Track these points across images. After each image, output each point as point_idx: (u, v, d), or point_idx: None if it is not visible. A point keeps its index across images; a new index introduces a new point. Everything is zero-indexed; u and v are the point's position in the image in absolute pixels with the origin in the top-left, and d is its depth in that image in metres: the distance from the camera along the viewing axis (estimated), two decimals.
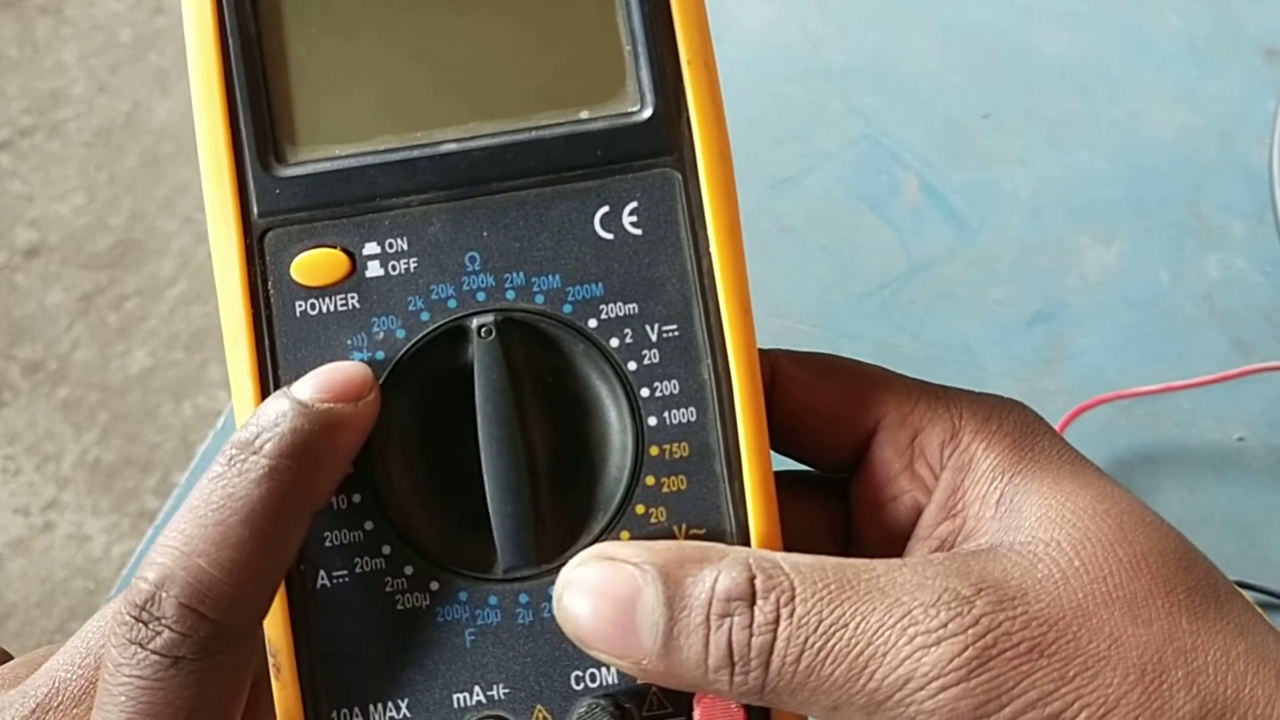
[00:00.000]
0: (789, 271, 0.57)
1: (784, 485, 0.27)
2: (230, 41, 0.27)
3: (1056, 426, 0.50)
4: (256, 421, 0.25)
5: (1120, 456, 0.51)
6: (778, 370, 0.29)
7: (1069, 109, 0.62)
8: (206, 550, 0.24)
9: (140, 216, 1.57)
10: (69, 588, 1.32)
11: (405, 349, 0.27)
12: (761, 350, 0.28)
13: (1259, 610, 0.25)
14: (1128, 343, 0.54)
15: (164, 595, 0.24)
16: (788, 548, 0.27)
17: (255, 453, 0.25)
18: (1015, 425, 0.28)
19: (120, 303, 1.51)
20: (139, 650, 0.24)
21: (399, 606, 0.27)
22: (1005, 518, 0.26)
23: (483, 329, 0.26)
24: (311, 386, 0.26)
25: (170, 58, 1.70)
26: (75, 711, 0.26)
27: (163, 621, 0.24)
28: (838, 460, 0.30)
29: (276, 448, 0.25)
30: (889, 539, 0.29)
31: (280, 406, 0.25)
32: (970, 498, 0.27)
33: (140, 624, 0.24)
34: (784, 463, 0.29)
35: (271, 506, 0.24)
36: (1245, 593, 0.47)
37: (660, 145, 0.27)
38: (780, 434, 0.28)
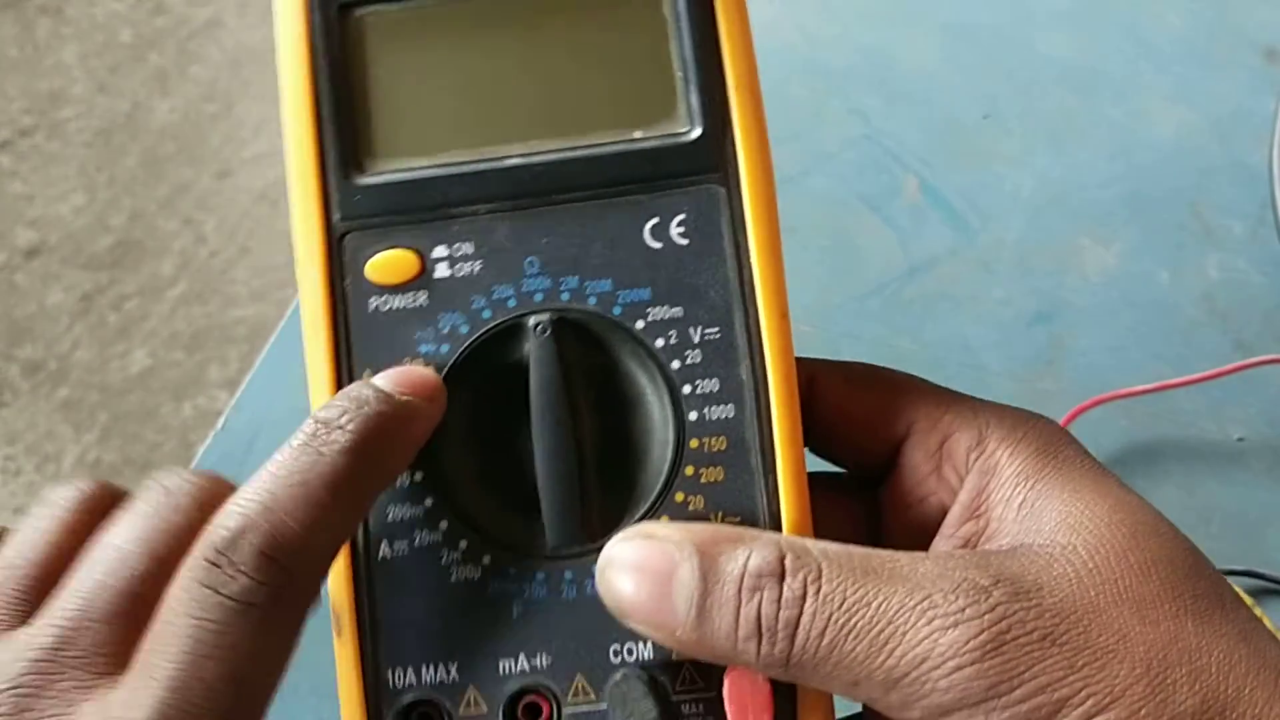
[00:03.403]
0: (789, 271, 0.57)
1: (814, 486, 0.29)
2: (319, 64, 0.29)
3: None
4: (340, 404, 0.27)
5: (1120, 456, 0.51)
6: (816, 378, 0.31)
7: (1069, 109, 0.62)
8: (290, 508, 0.25)
9: (140, 216, 1.57)
10: None
11: (468, 343, 0.29)
12: (800, 359, 0.29)
13: (1263, 618, 0.26)
14: (1128, 343, 0.54)
15: (246, 542, 0.25)
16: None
17: (340, 429, 0.26)
18: (1039, 435, 0.29)
19: (120, 303, 1.51)
20: (212, 594, 0.24)
21: (453, 578, 0.29)
22: (1026, 521, 0.28)
23: (539, 327, 0.29)
24: (391, 380, 0.28)
25: (170, 57, 1.70)
26: (99, 659, 0.25)
27: (240, 568, 0.24)
28: (871, 463, 0.31)
29: (361, 426, 0.26)
30: (915, 536, 0.30)
31: (364, 392, 0.27)
32: (994, 501, 0.28)
33: (216, 568, 0.24)
34: (815, 464, 0.30)
35: (352, 476, 0.26)
36: (1246, 580, 0.47)
37: (707, 163, 0.29)
38: (818, 438, 0.30)
